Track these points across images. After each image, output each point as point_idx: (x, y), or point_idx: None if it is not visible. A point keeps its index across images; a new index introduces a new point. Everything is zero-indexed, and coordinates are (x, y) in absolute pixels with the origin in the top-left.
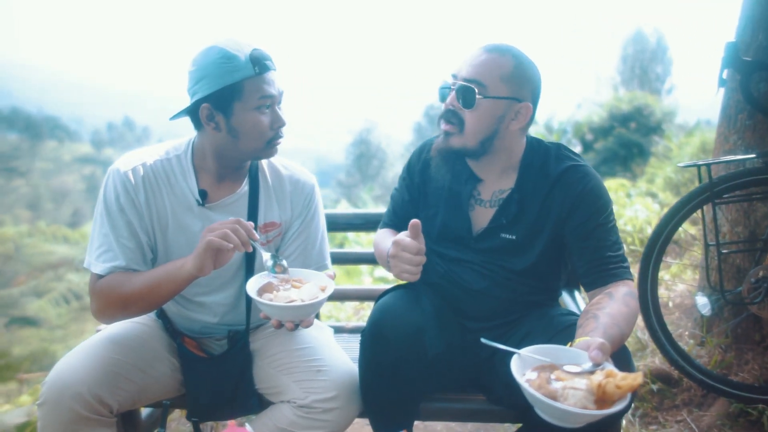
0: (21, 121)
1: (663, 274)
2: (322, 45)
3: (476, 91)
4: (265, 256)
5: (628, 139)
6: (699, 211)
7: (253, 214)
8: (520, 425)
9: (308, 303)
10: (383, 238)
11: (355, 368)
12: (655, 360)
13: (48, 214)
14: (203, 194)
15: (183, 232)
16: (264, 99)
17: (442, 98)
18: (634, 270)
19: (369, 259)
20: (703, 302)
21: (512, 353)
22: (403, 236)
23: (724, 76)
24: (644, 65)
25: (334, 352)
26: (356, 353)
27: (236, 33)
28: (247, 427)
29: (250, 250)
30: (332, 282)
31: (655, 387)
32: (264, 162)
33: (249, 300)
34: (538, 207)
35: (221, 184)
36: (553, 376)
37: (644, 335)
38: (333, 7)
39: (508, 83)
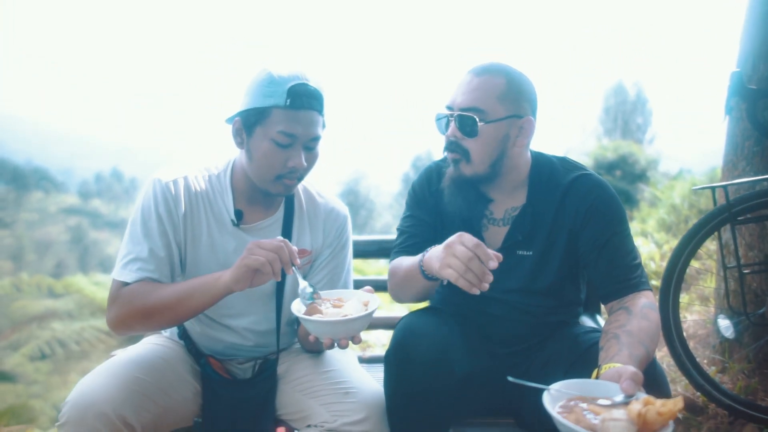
0: (8, 172)
1: None
2: None
3: (476, 119)
4: (302, 284)
5: (615, 186)
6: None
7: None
8: None
9: (363, 314)
10: (404, 259)
11: (383, 391)
12: (677, 388)
13: (31, 265)
14: (239, 215)
15: (215, 251)
16: (282, 135)
17: (442, 129)
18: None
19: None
20: (725, 325)
21: (542, 390)
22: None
23: (732, 104)
24: (626, 116)
25: (360, 374)
26: (378, 381)
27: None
28: None
29: (291, 273)
30: (376, 296)
31: (680, 415)
32: (300, 188)
33: (279, 327)
34: (551, 219)
35: (256, 206)
36: (586, 410)
37: (662, 364)
38: (329, 51)
39: (505, 102)
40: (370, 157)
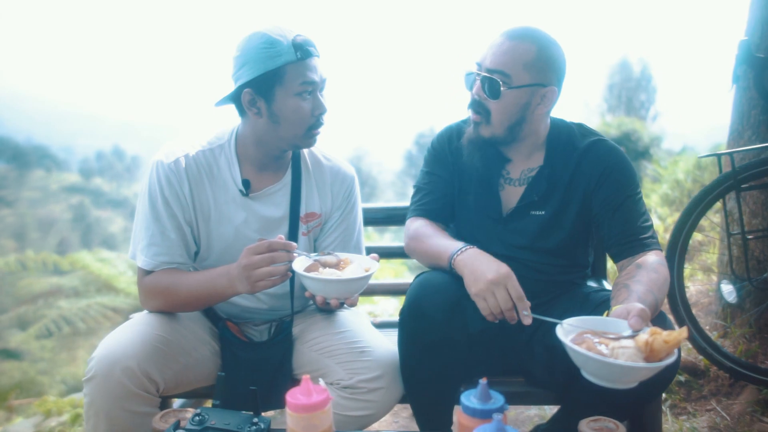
0: (9, 150)
1: None
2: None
3: (500, 83)
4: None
5: None
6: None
7: (295, 204)
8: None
9: (354, 277)
10: (434, 233)
11: (397, 350)
12: (681, 352)
13: (34, 243)
14: (246, 184)
15: (225, 223)
16: (305, 85)
17: (469, 86)
18: None
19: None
20: (728, 290)
21: (555, 324)
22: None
23: (739, 73)
24: (630, 93)
25: (374, 334)
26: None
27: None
28: (321, 382)
29: (295, 257)
30: (377, 263)
31: (682, 378)
32: (305, 152)
33: (293, 289)
34: (567, 181)
35: (263, 173)
36: (597, 342)
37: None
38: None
39: (531, 70)
40: (372, 135)
